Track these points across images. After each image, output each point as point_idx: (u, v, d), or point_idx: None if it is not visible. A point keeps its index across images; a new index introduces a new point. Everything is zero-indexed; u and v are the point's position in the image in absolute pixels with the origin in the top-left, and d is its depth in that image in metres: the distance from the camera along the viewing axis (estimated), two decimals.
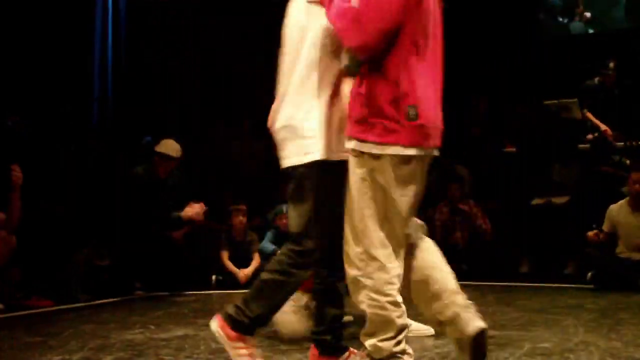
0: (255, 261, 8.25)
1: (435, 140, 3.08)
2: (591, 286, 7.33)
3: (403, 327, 3.07)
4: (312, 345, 3.63)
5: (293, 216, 3.42)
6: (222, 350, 4.01)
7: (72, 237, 7.11)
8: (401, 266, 3.11)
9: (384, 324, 3.04)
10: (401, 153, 2.98)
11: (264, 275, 3.42)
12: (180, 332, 4.78)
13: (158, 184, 7.40)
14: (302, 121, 3.35)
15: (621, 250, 7.35)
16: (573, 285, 7.48)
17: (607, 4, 11.18)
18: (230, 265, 8.17)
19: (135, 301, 6.94)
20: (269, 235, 8.49)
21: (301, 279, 3.44)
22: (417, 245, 3.23)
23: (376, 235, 3.04)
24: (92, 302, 6.60)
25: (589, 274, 7.53)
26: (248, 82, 10.57)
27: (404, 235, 3.12)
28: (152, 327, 5.03)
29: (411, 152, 2.98)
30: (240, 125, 10.31)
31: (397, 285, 3.06)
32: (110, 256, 7.39)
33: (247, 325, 3.39)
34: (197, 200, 7.43)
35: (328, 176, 3.29)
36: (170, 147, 7.56)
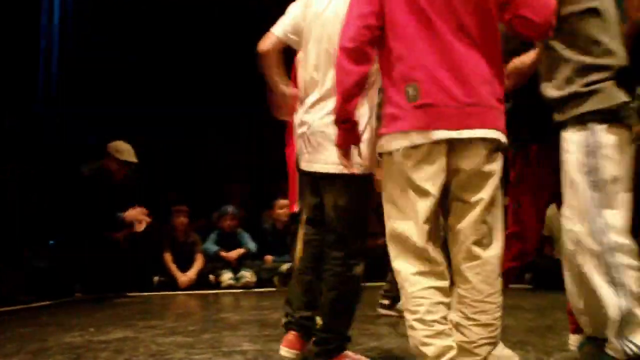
0: (198, 262, 8.21)
1: (449, 120, 2.70)
2: (529, 286, 7.47)
3: (441, 354, 2.72)
4: (291, 331, 3.73)
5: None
6: (162, 353, 3.99)
7: (16, 238, 6.99)
8: (431, 275, 2.80)
9: (417, 348, 2.77)
10: (405, 142, 2.75)
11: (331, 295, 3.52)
12: (119, 334, 4.73)
13: (106, 185, 7.26)
14: None
15: (557, 252, 7.50)
16: (512, 286, 7.59)
17: None
18: (172, 267, 8.10)
19: (75, 303, 6.84)
20: (213, 236, 8.50)
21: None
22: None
23: (398, 245, 2.84)
24: (31, 305, 6.48)
25: (528, 275, 7.68)
26: (209, 75, 10.43)
27: (428, 244, 2.80)
28: (92, 329, 4.97)
29: (415, 138, 2.73)
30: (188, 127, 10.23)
31: (430, 299, 2.76)
32: (49, 257, 7.28)
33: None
34: (142, 205, 7.34)
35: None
36: (128, 152, 7.36)
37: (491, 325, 2.75)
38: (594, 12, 3.11)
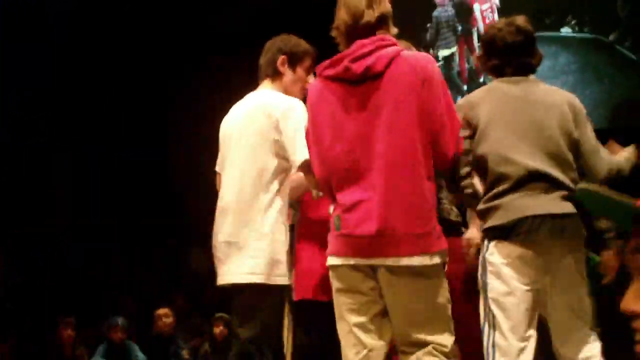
0: None
1: (370, 250, 2.95)
2: None
3: None
4: None
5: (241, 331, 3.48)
6: None
7: None
8: None
9: None
10: (329, 263, 3.04)
11: None
12: None
13: None
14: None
15: None
16: None
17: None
18: None
19: None
20: (101, 349, 8.25)
21: None
22: None
23: (344, 353, 3.07)
24: None
25: None
26: None
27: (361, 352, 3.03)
28: None
29: (335, 261, 3.02)
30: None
31: None
32: None
33: None
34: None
35: None
36: None
37: None
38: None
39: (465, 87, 8.72)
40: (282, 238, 3.52)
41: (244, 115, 3.63)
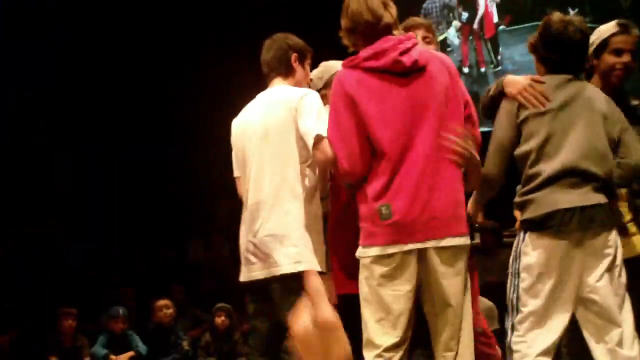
0: None
1: (422, 233, 3.12)
2: None
3: None
4: None
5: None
6: None
7: None
8: None
9: None
10: (379, 253, 3.13)
11: None
12: None
13: None
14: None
15: None
16: None
17: None
18: None
19: None
20: (101, 339, 8.25)
21: None
22: None
23: (371, 337, 3.17)
24: None
25: None
26: None
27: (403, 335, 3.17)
28: None
29: (390, 250, 3.11)
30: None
31: None
32: None
33: None
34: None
35: None
36: None
37: None
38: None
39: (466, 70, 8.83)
40: (318, 226, 3.59)
41: (264, 113, 3.68)
